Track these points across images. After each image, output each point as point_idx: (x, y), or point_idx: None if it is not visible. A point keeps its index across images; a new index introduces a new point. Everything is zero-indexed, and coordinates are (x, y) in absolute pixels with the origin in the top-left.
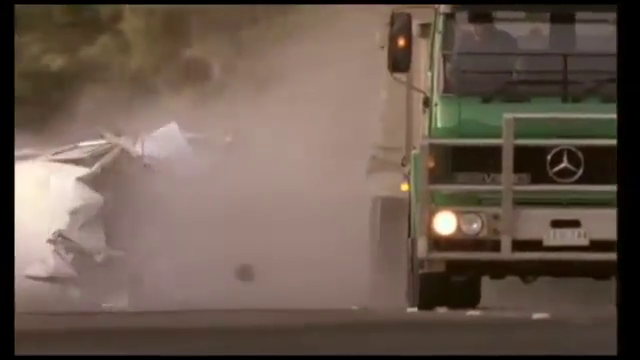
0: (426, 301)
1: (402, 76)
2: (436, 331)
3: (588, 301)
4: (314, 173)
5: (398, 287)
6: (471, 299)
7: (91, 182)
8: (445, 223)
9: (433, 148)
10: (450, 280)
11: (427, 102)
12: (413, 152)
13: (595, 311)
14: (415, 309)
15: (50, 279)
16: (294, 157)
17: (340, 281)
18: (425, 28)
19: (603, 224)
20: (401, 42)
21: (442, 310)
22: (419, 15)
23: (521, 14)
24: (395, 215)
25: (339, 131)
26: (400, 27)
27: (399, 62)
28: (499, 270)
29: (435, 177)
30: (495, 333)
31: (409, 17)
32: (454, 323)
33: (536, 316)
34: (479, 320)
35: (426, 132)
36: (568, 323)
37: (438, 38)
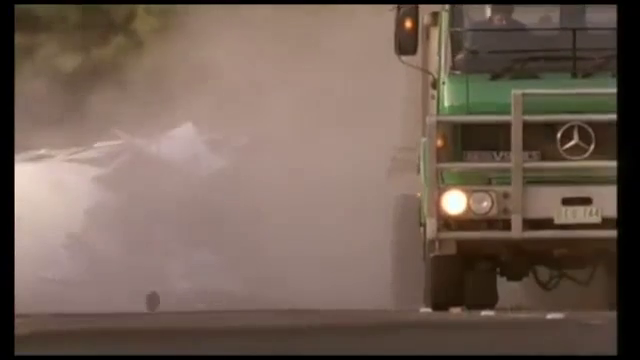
0: (438, 293)
1: (411, 60)
2: (446, 331)
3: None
4: (334, 174)
5: (418, 286)
6: (488, 299)
7: (106, 182)
8: (454, 202)
9: (441, 126)
10: (463, 274)
11: (436, 84)
12: (422, 139)
13: (611, 313)
14: (429, 309)
15: (64, 281)
16: (313, 158)
17: (362, 281)
18: (436, 17)
19: (615, 201)
20: (407, 24)
21: (455, 310)
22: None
23: None
24: (414, 214)
25: (359, 131)
26: (406, 10)
27: (406, 45)
28: (510, 251)
29: (444, 156)
30: (506, 333)
31: (416, 4)
32: (465, 323)
33: (550, 316)
34: (491, 320)
35: (434, 112)
36: (582, 323)
37: (445, 16)
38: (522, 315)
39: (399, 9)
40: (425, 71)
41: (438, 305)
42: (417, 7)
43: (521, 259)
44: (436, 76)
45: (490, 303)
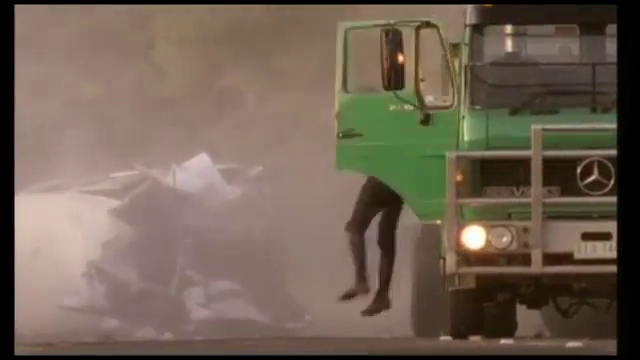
0: (458, 323)
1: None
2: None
3: None
4: (352, 202)
5: (438, 314)
6: (507, 327)
7: (123, 214)
8: (474, 237)
9: (461, 161)
10: (482, 305)
11: (427, 120)
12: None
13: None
14: (449, 337)
15: (84, 310)
16: (330, 186)
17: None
18: (456, 48)
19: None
20: (394, 59)
21: (475, 338)
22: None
23: (550, 29)
24: (435, 241)
25: None
26: (393, 44)
27: (393, 79)
28: (529, 285)
29: (463, 191)
30: None
31: (400, 33)
32: (484, 351)
33: (569, 345)
34: (510, 348)
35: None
36: (601, 352)
37: (465, 50)
38: (541, 343)
39: (387, 43)
40: (417, 107)
41: (457, 334)
42: (401, 39)
43: (541, 290)
44: (428, 112)
45: (509, 332)
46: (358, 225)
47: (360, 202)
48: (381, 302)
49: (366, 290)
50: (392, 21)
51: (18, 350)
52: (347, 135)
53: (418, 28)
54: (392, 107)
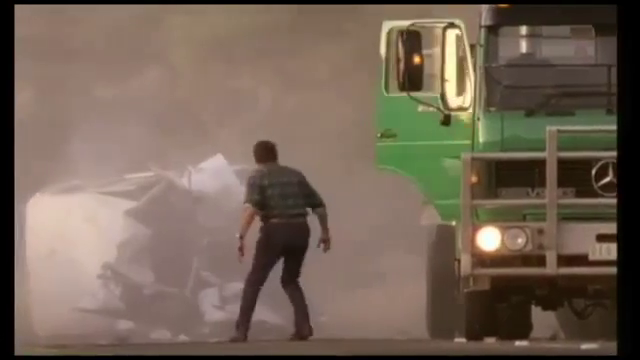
0: (473, 325)
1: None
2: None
3: None
4: (367, 204)
5: (453, 316)
6: (522, 329)
7: (139, 215)
8: (489, 239)
9: (476, 163)
10: (497, 306)
11: (447, 120)
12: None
13: None
14: (463, 339)
15: (100, 312)
16: (345, 187)
17: (396, 310)
18: (473, 48)
19: None
20: (413, 60)
21: (490, 340)
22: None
23: (565, 30)
24: (449, 243)
25: None
26: (411, 45)
27: (412, 80)
28: (544, 287)
29: (478, 192)
30: None
31: (419, 34)
32: (499, 352)
33: (585, 347)
34: (524, 350)
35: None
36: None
37: (480, 52)
38: (556, 345)
39: (404, 44)
40: (437, 108)
41: (472, 336)
42: (420, 40)
43: (556, 292)
44: (449, 113)
45: (524, 333)
46: (258, 279)
47: (258, 257)
48: (305, 331)
49: (244, 338)
50: (422, 20)
51: (34, 351)
52: (385, 135)
53: (445, 29)
54: (420, 108)
